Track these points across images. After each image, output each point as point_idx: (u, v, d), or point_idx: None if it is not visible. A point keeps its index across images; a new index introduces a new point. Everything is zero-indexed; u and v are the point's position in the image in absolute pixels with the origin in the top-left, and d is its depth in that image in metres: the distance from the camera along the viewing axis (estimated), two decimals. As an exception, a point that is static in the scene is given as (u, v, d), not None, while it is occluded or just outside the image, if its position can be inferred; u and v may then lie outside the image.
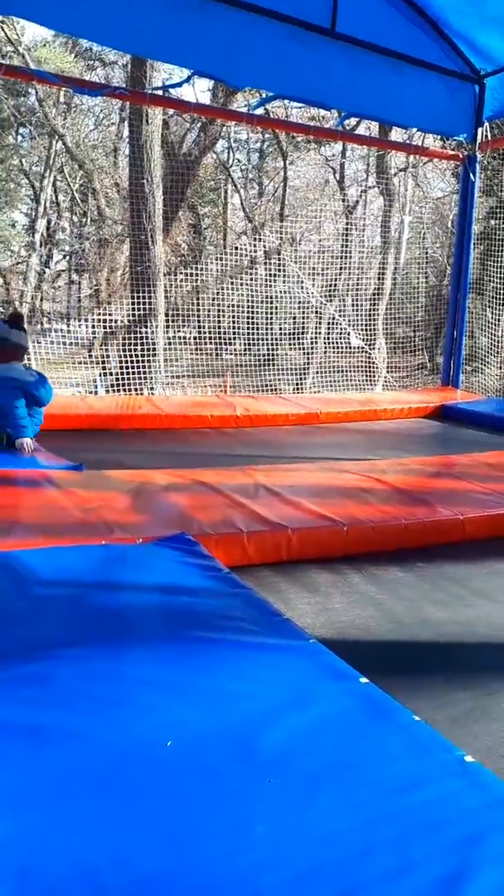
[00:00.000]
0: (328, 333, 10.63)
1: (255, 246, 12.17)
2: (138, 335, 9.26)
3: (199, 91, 17.95)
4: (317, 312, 10.68)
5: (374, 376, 9.69)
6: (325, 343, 10.52)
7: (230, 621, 1.76)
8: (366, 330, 10.16)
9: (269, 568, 2.49)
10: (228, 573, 2.06)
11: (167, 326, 10.33)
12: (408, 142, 7.41)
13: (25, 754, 1.24)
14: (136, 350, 9.18)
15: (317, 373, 10.07)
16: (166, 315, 10.05)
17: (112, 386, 9.78)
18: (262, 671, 1.56)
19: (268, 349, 11.63)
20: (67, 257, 20.52)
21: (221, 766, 1.24)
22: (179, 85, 4.97)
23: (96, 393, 9.90)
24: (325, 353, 10.27)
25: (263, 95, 5.34)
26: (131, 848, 1.05)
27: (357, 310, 10.88)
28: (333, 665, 1.59)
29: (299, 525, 2.55)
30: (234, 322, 12.49)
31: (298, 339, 11.10)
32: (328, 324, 10.63)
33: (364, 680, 1.53)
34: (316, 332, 10.68)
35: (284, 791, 1.18)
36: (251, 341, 12.82)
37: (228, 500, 2.79)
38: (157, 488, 2.96)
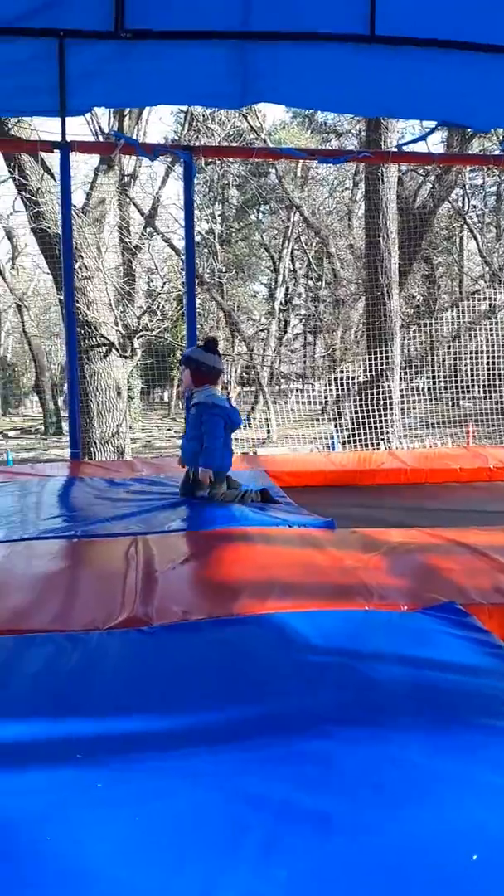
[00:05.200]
0: None
1: (495, 288, 11.60)
2: (375, 389, 9.26)
3: (432, 145, 17.98)
4: None
5: None
6: None
7: (523, 710, 1.54)
8: None
9: (553, 645, 2.19)
10: (513, 652, 1.82)
11: (401, 378, 10.21)
12: None
13: (313, 844, 1.15)
14: (371, 404, 9.18)
15: None
16: (401, 367, 9.96)
17: (346, 440, 9.84)
18: None
19: (513, 395, 10.87)
20: (303, 320, 21.52)
21: (542, 896, 1.04)
22: (423, 138, 4.95)
23: (333, 448, 10.03)
24: None
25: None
26: None
27: None
28: None
29: None
30: (473, 368, 11.92)
31: (550, 382, 10.23)
32: None
33: None
34: None
35: None
36: (493, 387, 12.11)
37: (498, 564, 2.54)
38: (414, 549, 2.81)
